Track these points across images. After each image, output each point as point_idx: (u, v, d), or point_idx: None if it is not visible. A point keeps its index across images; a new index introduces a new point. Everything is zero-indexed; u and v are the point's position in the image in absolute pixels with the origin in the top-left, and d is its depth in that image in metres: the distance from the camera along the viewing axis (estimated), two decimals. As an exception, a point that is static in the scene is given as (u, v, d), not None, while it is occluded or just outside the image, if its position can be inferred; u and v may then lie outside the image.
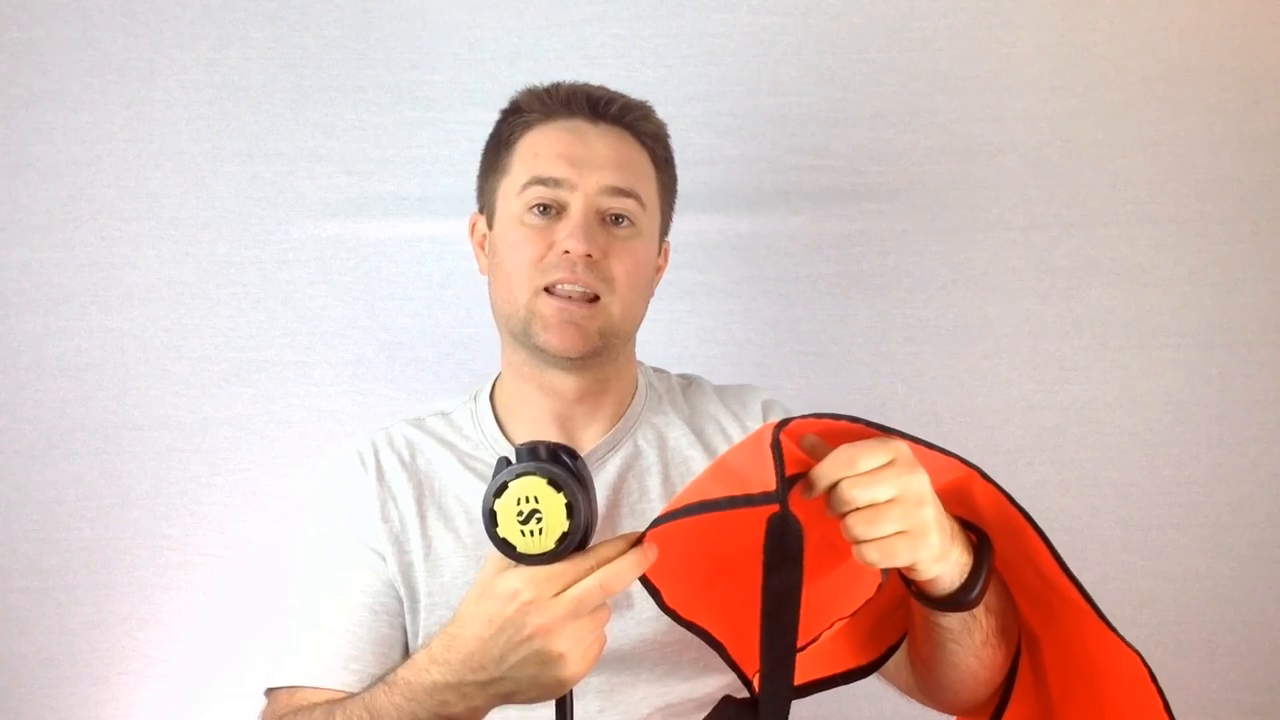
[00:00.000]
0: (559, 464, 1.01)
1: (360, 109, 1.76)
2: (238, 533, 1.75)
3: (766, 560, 0.97)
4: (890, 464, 0.99)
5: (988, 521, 1.09)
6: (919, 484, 1.00)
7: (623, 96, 1.39)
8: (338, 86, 1.76)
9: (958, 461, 1.05)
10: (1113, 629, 1.08)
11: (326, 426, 1.75)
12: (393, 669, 1.13)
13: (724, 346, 1.76)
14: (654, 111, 1.42)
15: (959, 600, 1.07)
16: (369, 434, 1.42)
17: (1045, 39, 1.77)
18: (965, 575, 1.06)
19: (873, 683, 1.74)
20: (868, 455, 0.99)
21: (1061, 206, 1.77)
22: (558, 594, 1.00)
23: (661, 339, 1.72)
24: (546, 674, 1.02)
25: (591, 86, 1.39)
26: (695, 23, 1.76)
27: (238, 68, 1.76)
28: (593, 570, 1.01)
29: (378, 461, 1.37)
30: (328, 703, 1.21)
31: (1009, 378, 1.77)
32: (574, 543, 1.00)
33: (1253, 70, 1.76)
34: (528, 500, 1.00)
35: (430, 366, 1.76)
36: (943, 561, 1.03)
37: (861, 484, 0.98)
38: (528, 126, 1.37)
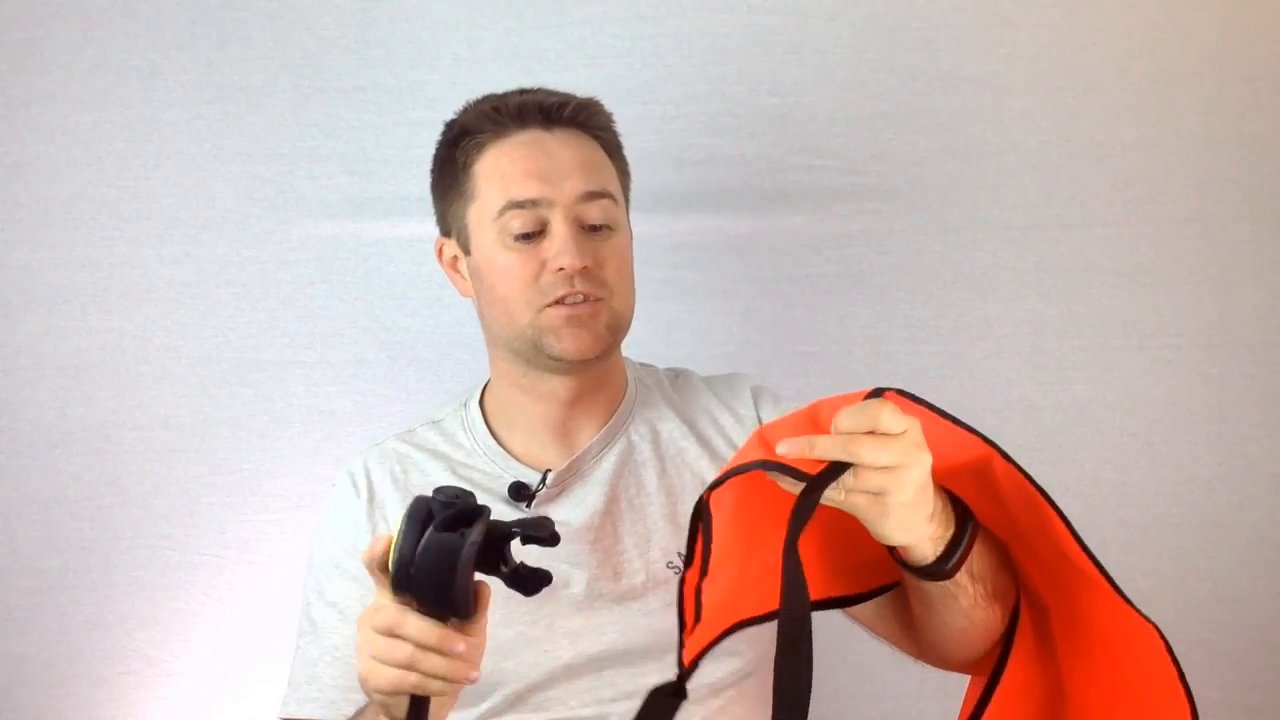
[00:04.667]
0: (422, 510, 1.06)
1: (360, 109, 1.76)
2: (238, 533, 1.75)
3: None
4: (904, 434, 1.01)
5: (1005, 495, 1.10)
6: (921, 463, 1.02)
7: (571, 97, 1.39)
8: (338, 86, 1.76)
9: (978, 439, 1.08)
10: (1129, 602, 1.10)
11: (326, 426, 1.75)
12: None
13: (724, 346, 1.76)
14: (601, 105, 1.42)
15: (936, 570, 1.10)
16: (361, 451, 1.43)
17: (1045, 39, 1.77)
18: (943, 548, 1.09)
19: (873, 682, 1.74)
20: (890, 417, 1.00)
21: (1061, 206, 1.77)
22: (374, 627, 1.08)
23: (661, 339, 1.72)
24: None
25: (535, 93, 1.39)
26: (695, 23, 1.76)
27: (238, 68, 1.76)
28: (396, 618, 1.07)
29: (369, 482, 1.38)
30: None
31: (1009, 378, 1.77)
32: (401, 579, 1.05)
33: (1253, 70, 1.76)
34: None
35: (430, 366, 1.76)
36: (903, 532, 1.05)
37: (871, 444, 1.00)
38: (481, 147, 1.36)
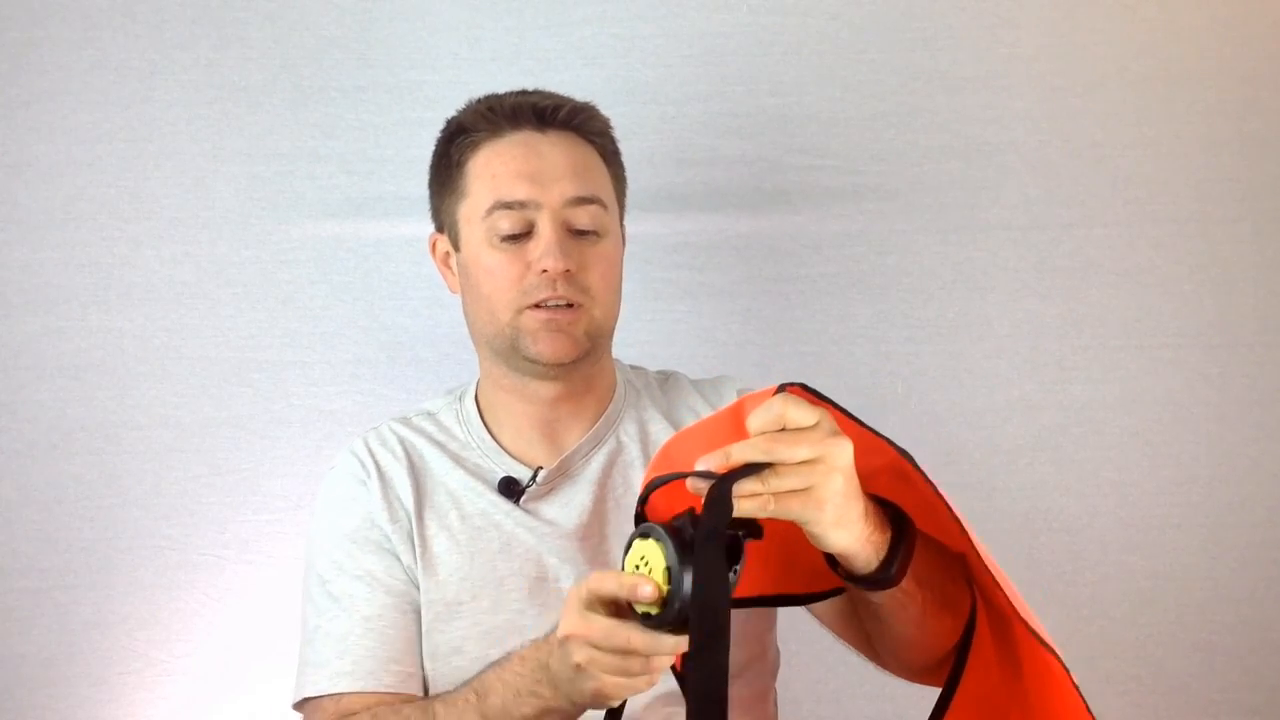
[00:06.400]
0: (683, 541, 0.99)
1: (360, 109, 1.76)
2: (238, 533, 1.75)
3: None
4: (816, 426, 0.99)
5: (929, 499, 1.07)
6: (842, 450, 0.99)
7: (566, 100, 1.39)
8: (338, 86, 1.76)
9: (885, 443, 1.04)
10: (1030, 628, 1.06)
11: (326, 426, 1.75)
12: (506, 654, 1.18)
13: (724, 346, 1.76)
14: (598, 109, 1.42)
15: (881, 578, 1.07)
16: (360, 435, 1.43)
17: (1045, 39, 1.77)
18: (883, 554, 1.07)
19: (873, 682, 1.74)
20: (796, 411, 0.98)
21: (1061, 206, 1.77)
22: (608, 647, 1.03)
23: (661, 339, 1.72)
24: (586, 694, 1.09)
25: (531, 95, 1.40)
26: (695, 23, 1.76)
27: (238, 68, 1.76)
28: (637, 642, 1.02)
29: (376, 463, 1.39)
30: (416, 702, 1.27)
31: (1009, 378, 1.77)
32: (670, 615, 0.99)
33: (1253, 70, 1.76)
34: (644, 560, 1.01)
35: (430, 366, 1.76)
36: (841, 529, 1.02)
37: (785, 440, 0.98)
38: (476, 146, 1.38)
